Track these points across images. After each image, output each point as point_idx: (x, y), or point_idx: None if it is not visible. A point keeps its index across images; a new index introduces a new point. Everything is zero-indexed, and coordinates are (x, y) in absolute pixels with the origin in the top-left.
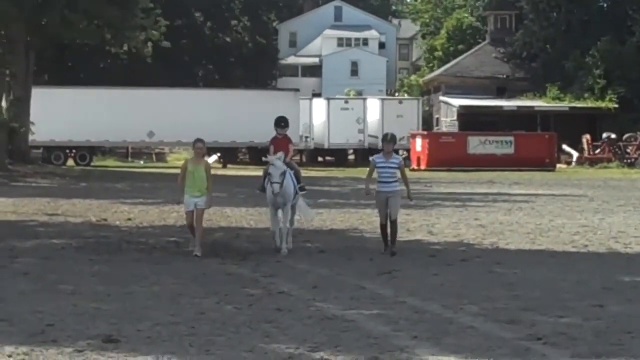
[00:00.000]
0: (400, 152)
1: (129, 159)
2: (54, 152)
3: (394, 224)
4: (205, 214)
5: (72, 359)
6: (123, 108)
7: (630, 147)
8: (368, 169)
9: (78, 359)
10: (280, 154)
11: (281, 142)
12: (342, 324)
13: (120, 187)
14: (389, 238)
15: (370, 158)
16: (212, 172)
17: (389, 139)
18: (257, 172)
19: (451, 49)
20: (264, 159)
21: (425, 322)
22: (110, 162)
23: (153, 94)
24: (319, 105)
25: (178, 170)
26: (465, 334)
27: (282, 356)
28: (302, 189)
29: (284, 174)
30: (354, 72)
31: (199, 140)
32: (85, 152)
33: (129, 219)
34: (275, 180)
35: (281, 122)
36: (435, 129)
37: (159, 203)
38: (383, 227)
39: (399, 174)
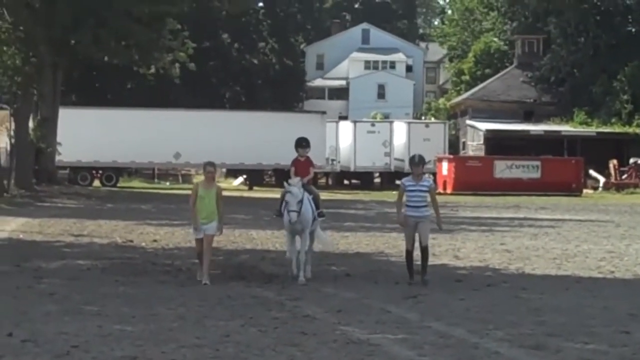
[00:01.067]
0: (427, 175)
1: (155, 180)
2: (80, 173)
3: (424, 250)
4: (231, 236)
5: None
6: (150, 129)
7: None
8: (397, 193)
9: None
10: (298, 180)
11: (303, 164)
12: (367, 348)
13: (146, 209)
14: (416, 266)
15: (400, 181)
16: (239, 194)
17: (417, 161)
18: None
19: (478, 72)
20: (285, 183)
21: (451, 347)
22: (137, 183)
23: (180, 115)
24: (346, 128)
25: None
26: None
27: None
28: (320, 214)
29: (301, 201)
30: (381, 95)
31: (209, 163)
32: (112, 172)
33: (155, 241)
34: (293, 209)
35: (302, 143)
36: (461, 153)
37: (184, 225)
38: (409, 254)
39: (429, 198)
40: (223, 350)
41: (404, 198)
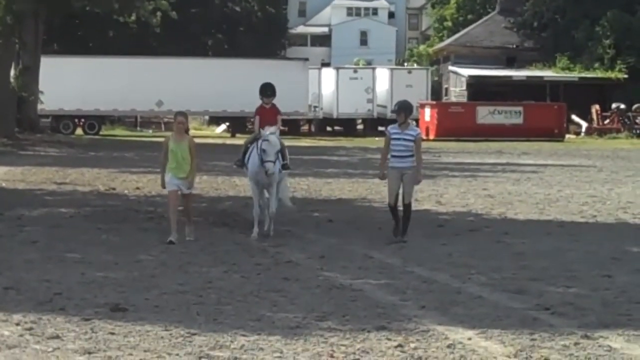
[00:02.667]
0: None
1: (138, 128)
2: (63, 121)
3: (407, 208)
4: (214, 183)
5: (79, 327)
6: (132, 77)
7: (639, 118)
8: (383, 141)
9: (86, 328)
10: (275, 128)
11: (268, 112)
12: (350, 293)
13: (129, 156)
14: (400, 220)
15: (386, 130)
16: (221, 141)
17: (399, 108)
18: None
19: (461, 18)
20: (261, 131)
21: (433, 292)
22: (119, 131)
23: (162, 63)
24: (328, 75)
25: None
26: (473, 304)
27: (290, 325)
28: (285, 167)
29: (279, 152)
30: (364, 41)
31: (180, 113)
32: (94, 121)
33: (138, 188)
34: (270, 159)
35: (267, 91)
36: (444, 99)
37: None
38: (392, 208)
39: None
40: (206, 297)
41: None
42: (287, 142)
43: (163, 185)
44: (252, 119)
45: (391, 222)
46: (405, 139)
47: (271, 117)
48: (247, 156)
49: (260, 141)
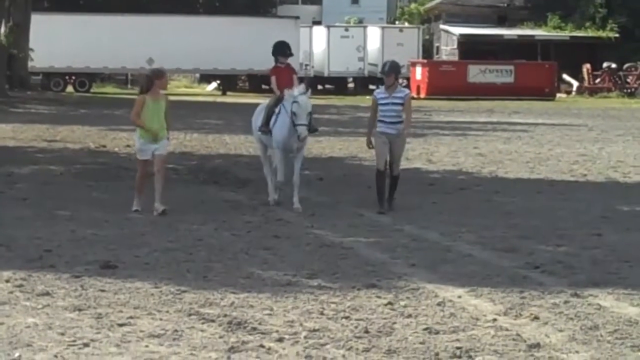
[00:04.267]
0: (400, 80)
1: (129, 85)
2: (53, 79)
3: (395, 180)
4: (205, 141)
5: (69, 284)
6: (123, 35)
7: (630, 77)
8: (370, 102)
9: (76, 285)
10: (303, 88)
11: (284, 72)
12: (340, 251)
13: (119, 114)
14: (387, 192)
15: (373, 93)
16: (212, 99)
17: (387, 69)
18: (257, 99)
19: None
20: (287, 92)
21: (423, 250)
22: (110, 89)
23: (153, 20)
24: (319, 33)
25: (179, 98)
26: (463, 262)
27: (280, 283)
28: (312, 129)
29: (311, 113)
30: (355, 0)
31: (161, 71)
32: (85, 78)
33: (128, 146)
34: (302, 122)
35: (285, 50)
36: (435, 58)
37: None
38: (380, 175)
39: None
40: (196, 254)
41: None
42: None
43: (142, 149)
44: (242, 77)
45: None
46: (394, 103)
47: (287, 77)
48: (272, 120)
49: (289, 103)
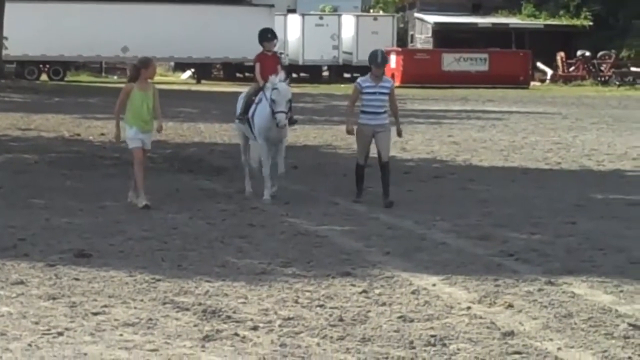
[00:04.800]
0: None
1: (103, 74)
2: (28, 67)
3: (385, 167)
4: (179, 129)
5: (44, 273)
6: (97, 23)
7: (604, 65)
8: (350, 93)
9: (50, 273)
10: (283, 75)
11: (270, 59)
12: (315, 239)
13: (94, 102)
14: (364, 183)
15: (356, 82)
16: (187, 87)
17: (380, 61)
18: (231, 88)
19: None
20: (271, 78)
21: (398, 238)
22: (84, 77)
23: (127, 8)
24: (294, 22)
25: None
26: (438, 250)
27: (255, 271)
28: (291, 120)
29: (290, 101)
30: None
31: (148, 59)
32: (59, 67)
33: (102, 134)
34: (281, 109)
35: (268, 34)
36: (409, 46)
37: None
38: (360, 168)
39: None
40: (171, 243)
41: (359, 102)
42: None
43: (117, 138)
44: (217, 65)
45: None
46: (380, 93)
47: (273, 65)
48: (252, 109)
49: (269, 91)
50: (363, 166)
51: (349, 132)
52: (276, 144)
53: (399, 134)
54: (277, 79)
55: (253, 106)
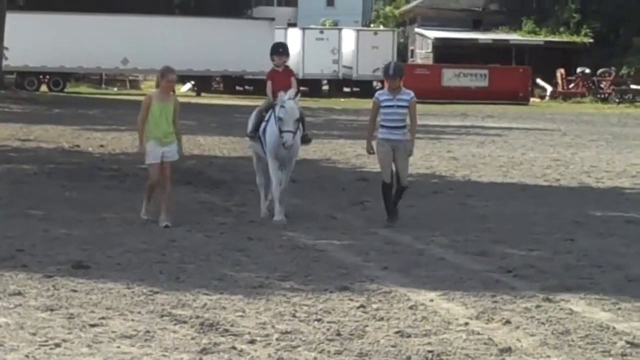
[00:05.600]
0: (375, 83)
1: (103, 85)
2: (28, 78)
3: (401, 191)
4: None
5: (41, 284)
6: (97, 34)
7: (604, 82)
8: (370, 110)
9: (48, 285)
10: (292, 92)
11: (282, 76)
12: (313, 253)
13: (93, 114)
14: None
15: (374, 96)
16: (186, 100)
17: (392, 72)
18: (231, 101)
19: None
20: (281, 94)
21: (396, 254)
22: (84, 89)
23: (128, 20)
24: (294, 35)
25: None
26: (436, 266)
27: (252, 284)
28: (305, 138)
29: (299, 120)
30: (330, 2)
31: (169, 70)
32: (59, 78)
33: (102, 146)
34: (289, 129)
35: (279, 49)
36: (410, 61)
37: (131, 130)
38: (387, 187)
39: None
40: (169, 255)
41: (379, 117)
42: (253, 102)
43: (143, 149)
44: (217, 78)
45: (357, 185)
46: (399, 106)
47: (285, 81)
48: (262, 126)
49: (278, 108)
50: (390, 184)
51: (368, 151)
52: (284, 163)
53: (410, 151)
54: (286, 97)
55: (263, 123)
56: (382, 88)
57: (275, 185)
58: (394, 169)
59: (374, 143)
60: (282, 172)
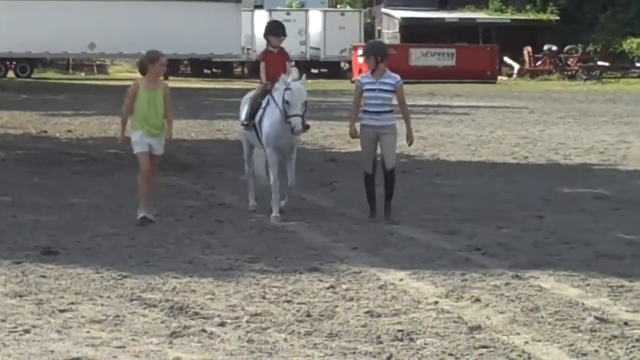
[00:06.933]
0: (342, 64)
1: (70, 71)
2: None
3: (389, 175)
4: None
5: (10, 270)
6: (64, 19)
7: (570, 59)
8: (353, 94)
9: (17, 271)
10: (296, 73)
11: (276, 57)
12: (283, 234)
13: (61, 99)
14: (380, 195)
15: (355, 78)
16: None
17: (365, 50)
18: (199, 84)
19: None
20: (282, 77)
21: (366, 234)
22: (51, 74)
23: (94, 5)
24: (261, 17)
25: (121, 83)
26: (405, 245)
27: (222, 267)
28: (304, 125)
29: (306, 104)
30: None
31: (159, 53)
32: (26, 63)
33: (70, 131)
34: (297, 112)
35: (278, 29)
36: None
37: (99, 115)
38: (369, 178)
39: (395, 101)
40: (139, 239)
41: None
42: (220, 85)
43: (123, 141)
44: (185, 62)
45: (325, 166)
46: (382, 89)
47: (280, 64)
48: (259, 114)
49: (279, 93)
50: (372, 175)
51: (352, 135)
52: (286, 154)
53: (410, 141)
54: (290, 78)
55: (260, 111)
56: (349, 69)
57: (273, 179)
58: (378, 158)
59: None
60: (284, 163)
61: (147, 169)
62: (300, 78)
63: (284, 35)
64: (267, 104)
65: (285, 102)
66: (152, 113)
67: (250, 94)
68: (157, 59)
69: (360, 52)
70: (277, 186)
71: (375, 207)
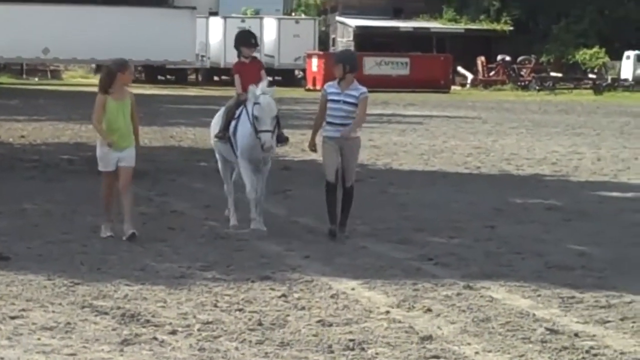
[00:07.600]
0: (297, 72)
1: (24, 75)
2: None
3: (349, 192)
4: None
5: None
6: (18, 24)
7: (524, 70)
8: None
9: None
10: (265, 85)
11: (249, 68)
12: (235, 243)
13: (14, 104)
14: (339, 210)
15: (323, 88)
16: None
17: (336, 58)
18: (153, 90)
19: None
20: (251, 88)
21: (318, 243)
22: (4, 79)
23: (49, 9)
24: (216, 24)
25: (75, 88)
26: (358, 254)
27: (174, 275)
28: (281, 137)
29: (277, 117)
30: None
31: (127, 61)
32: None
33: (22, 136)
34: (267, 128)
35: (250, 40)
36: (331, 49)
37: (53, 120)
38: (331, 187)
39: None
40: (90, 246)
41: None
42: (174, 92)
43: (111, 141)
44: (139, 68)
45: (279, 174)
46: (345, 102)
47: (254, 74)
48: (232, 125)
49: (251, 104)
50: (334, 184)
51: (310, 148)
52: (259, 166)
53: (346, 134)
54: (259, 90)
55: (233, 122)
56: (303, 77)
57: (249, 190)
58: (341, 170)
59: (319, 140)
60: (256, 177)
61: (107, 190)
62: (270, 90)
63: (256, 45)
64: (241, 114)
65: (255, 118)
66: (121, 124)
67: (225, 106)
68: (127, 67)
69: (314, 60)
70: (254, 196)
71: (336, 218)
